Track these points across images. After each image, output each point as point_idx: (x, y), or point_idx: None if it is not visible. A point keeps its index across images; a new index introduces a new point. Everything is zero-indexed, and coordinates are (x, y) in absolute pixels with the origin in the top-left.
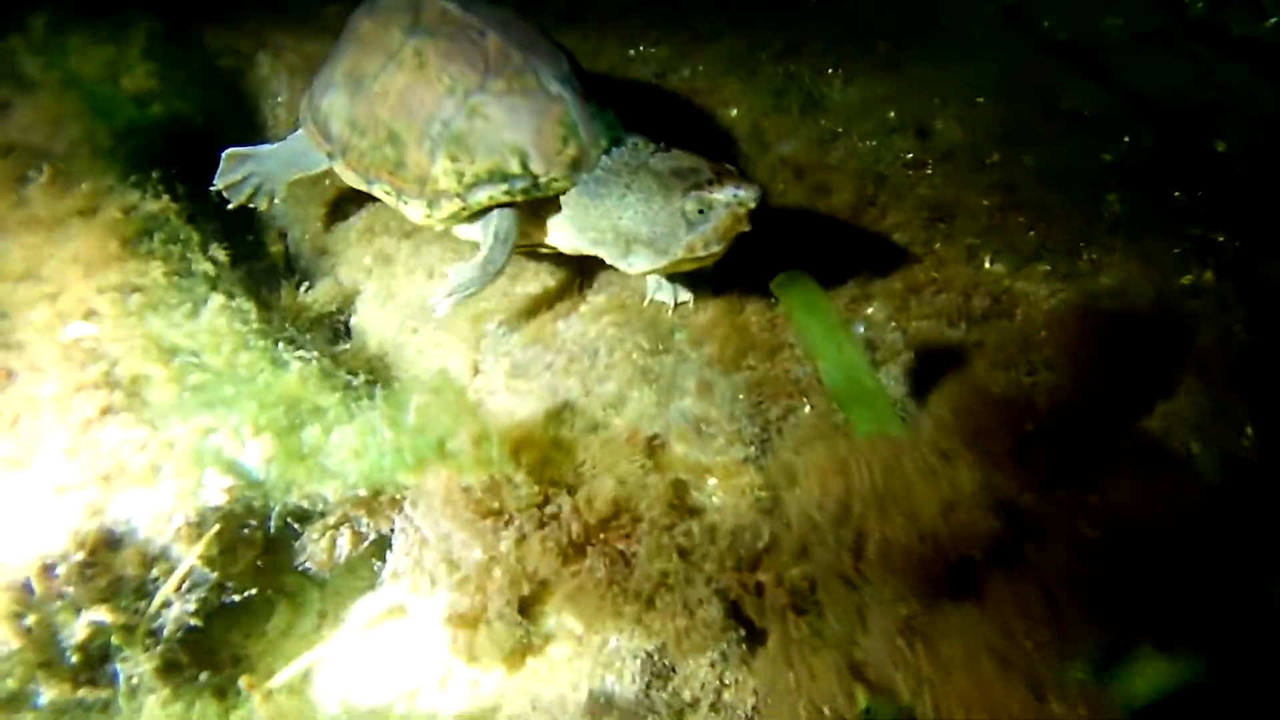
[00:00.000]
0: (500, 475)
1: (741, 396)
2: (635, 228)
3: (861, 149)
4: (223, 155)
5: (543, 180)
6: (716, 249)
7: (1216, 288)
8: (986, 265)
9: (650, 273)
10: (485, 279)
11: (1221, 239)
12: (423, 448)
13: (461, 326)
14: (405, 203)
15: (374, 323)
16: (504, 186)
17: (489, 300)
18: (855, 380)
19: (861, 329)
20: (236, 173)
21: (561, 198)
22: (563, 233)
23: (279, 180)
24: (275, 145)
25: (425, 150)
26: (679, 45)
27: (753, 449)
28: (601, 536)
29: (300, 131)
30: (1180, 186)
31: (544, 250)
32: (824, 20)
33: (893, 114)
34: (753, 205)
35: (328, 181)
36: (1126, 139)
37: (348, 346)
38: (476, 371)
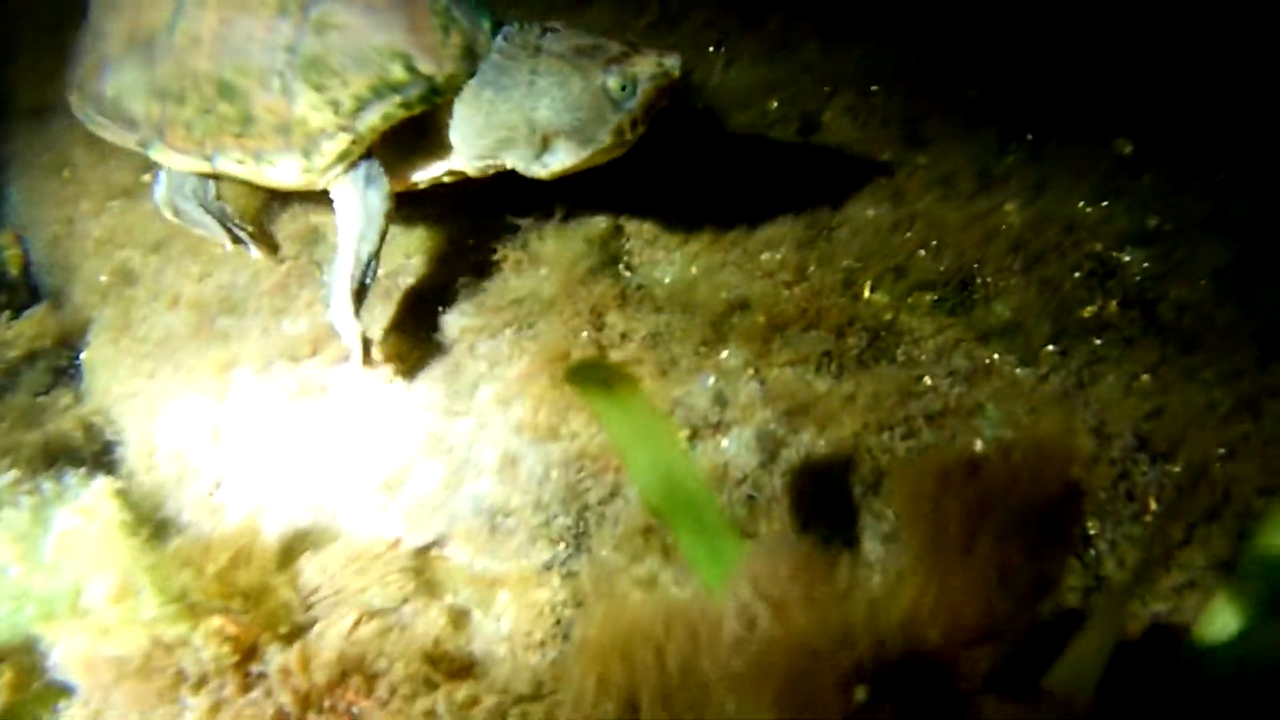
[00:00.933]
0: (170, 634)
1: (555, 474)
2: (554, 116)
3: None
4: (158, 200)
5: (439, 79)
6: (641, 128)
7: (1121, 319)
8: (866, 294)
9: (569, 170)
10: (368, 257)
11: (1127, 258)
12: (53, 597)
13: (204, 375)
14: (271, 164)
15: (106, 361)
16: (396, 99)
17: (246, 341)
18: (677, 487)
19: (711, 380)
20: (188, 210)
21: (456, 100)
22: (463, 145)
23: (208, 187)
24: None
25: (276, 90)
26: (539, 10)
27: (562, 547)
28: (327, 704)
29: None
30: (1084, 196)
31: (420, 188)
32: None
33: (776, 104)
34: (676, 74)
35: (66, 173)
36: (1030, 136)
37: (63, 396)
38: (218, 437)
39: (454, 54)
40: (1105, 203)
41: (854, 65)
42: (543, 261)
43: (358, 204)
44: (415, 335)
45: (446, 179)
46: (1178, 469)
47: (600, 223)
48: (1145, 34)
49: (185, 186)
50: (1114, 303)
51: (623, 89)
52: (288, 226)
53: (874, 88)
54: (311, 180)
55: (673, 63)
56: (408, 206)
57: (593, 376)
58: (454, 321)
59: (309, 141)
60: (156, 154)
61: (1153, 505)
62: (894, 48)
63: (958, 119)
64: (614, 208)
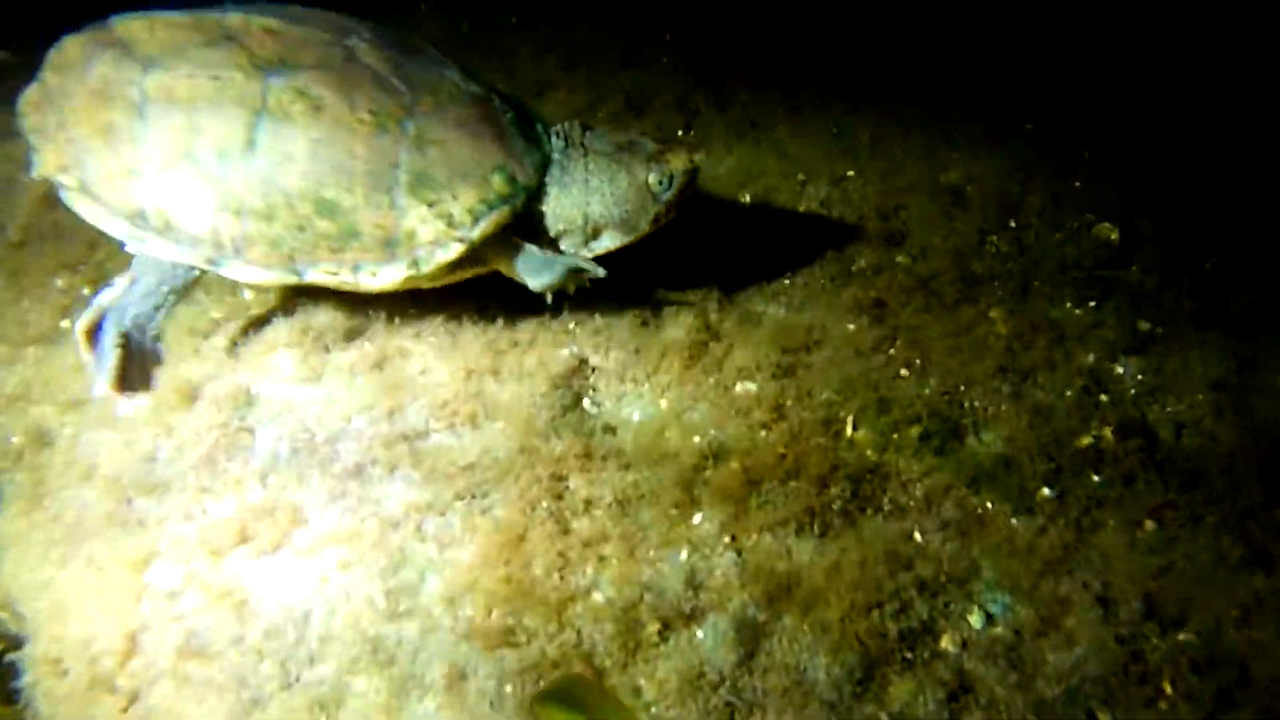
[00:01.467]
0: None
1: (509, 689)
2: (606, 211)
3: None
4: (76, 329)
5: (532, 186)
6: (673, 214)
7: (1118, 449)
8: (848, 431)
9: (610, 251)
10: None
11: (1120, 370)
12: None
13: (119, 571)
14: (372, 274)
15: (17, 537)
16: (505, 209)
17: (166, 527)
18: None
19: (684, 555)
20: (105, 341)
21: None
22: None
23: (154, 321)
24: (119, 285)
25: (383, 206)
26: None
27: None
28: None
29: (137, 255)
30: (1071, 295)
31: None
32: (678, 65)
33: (748, 197)
34: (700, 165)
35: None
36: (1012, 223)
37: None
38: (133, 647)
39: (534, 162)
40: (1093, 302)
41: (825, 146)
42: (499, 412)
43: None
44: (357, 514)
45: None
46: (1191, 637)
47: (564, 355)
48: (1128, 115)
49: (128, 314)
50: (1109, 430)
51: (660, 183)
52: (217, 388)
53: (849, 173)
54: (413, 284)
55: (700, 157)
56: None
57: (564, 698)
58: (399, 495)
59: (419, 252)
60: (228, 271)
61: (1167, 689)
62: (866, 120)
63: (935, 206)
64: (580, 332)
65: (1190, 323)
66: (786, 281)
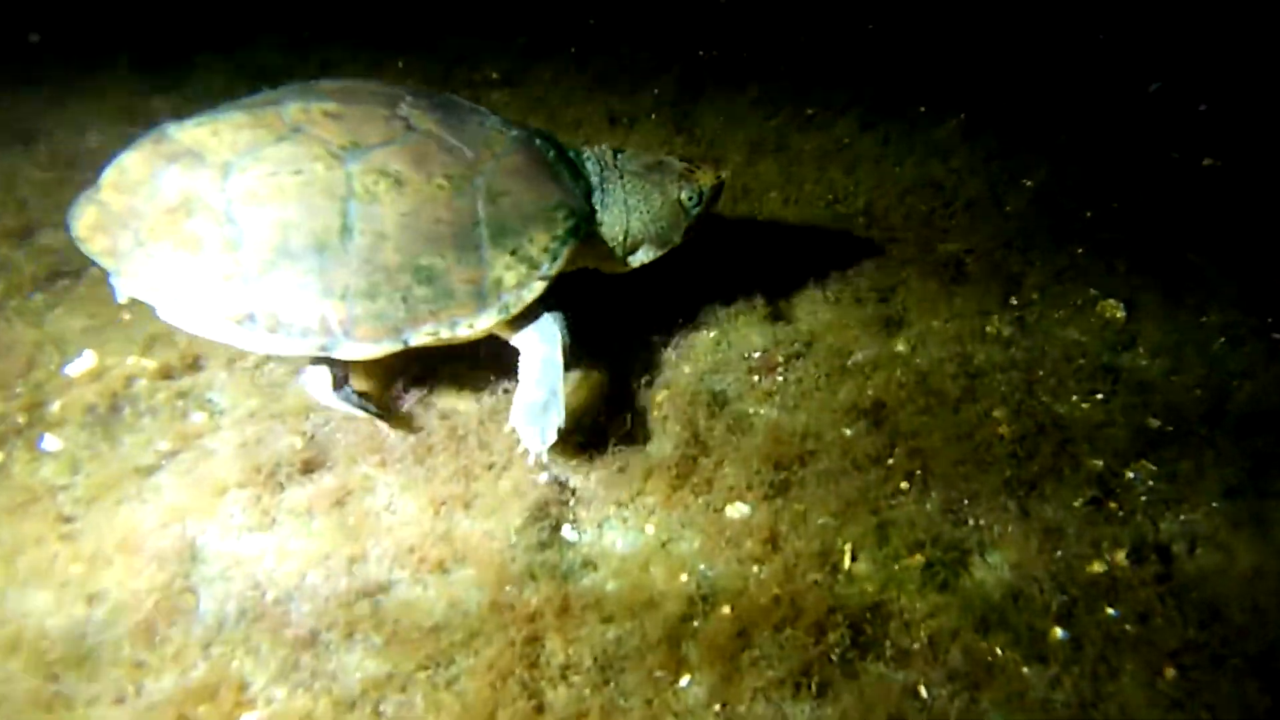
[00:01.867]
0: None
1: None
2: (644, 227)
3: (697, 349)
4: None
5: (586, 214)
6: (697, 226)
7: (1133, 577)
8: (846, 563)
9: (645, 263)
10: (556, 373)
11: (1131, 475)
12: None
13: None
14: (469, 326)
15: None
16: (572, 241)
17: (95, 712)
18: None
19: None
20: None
21: None
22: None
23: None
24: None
25: (470, 264)
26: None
27: None
28: None
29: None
30: (1076, 388)
31: None
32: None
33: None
34: (725, 180)
35: None
36: (1014, 300)
37: None
38: None
39: (582, 190)
40: (1100, 395)
41: (820, 214)
42: (470, 555)
43: (549, 322)
44: (310, 691)
45: None
46: None
47: (541, 480)
48: (1130, 171)
49: (328, 383)
50: (1122, 554)
51: (690, 199)
52: (159, 541)
53: (849, 271)
54: (500, 327)
55: (725, 173)
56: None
57: None
58: (357, 666)
59: (507, 297)
60: (341, 353)
61: None
62: (864, 185)
63: (934, 283)
64: (560, 446)
65: (1200, 418)
66: (780, 379)
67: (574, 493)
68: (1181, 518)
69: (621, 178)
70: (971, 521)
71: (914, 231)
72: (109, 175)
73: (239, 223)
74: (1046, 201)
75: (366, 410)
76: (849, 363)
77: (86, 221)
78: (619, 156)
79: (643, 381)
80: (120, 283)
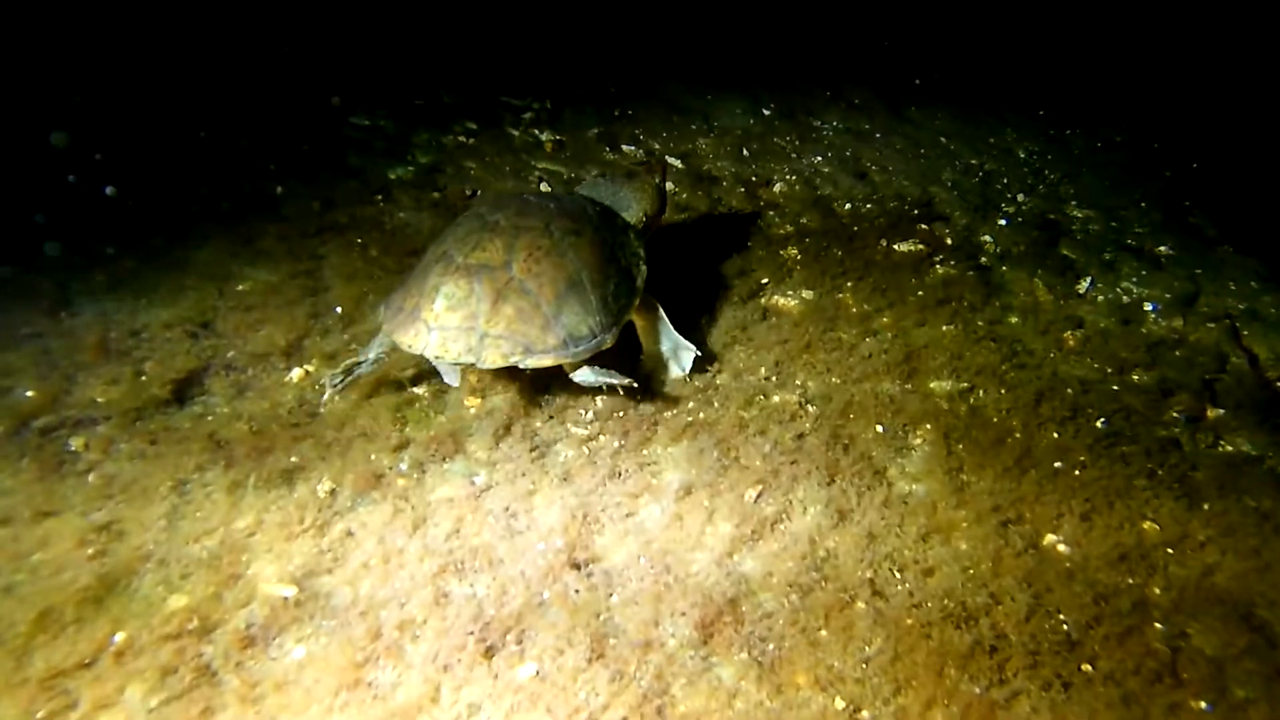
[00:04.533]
0: None
1: None
2: (648, 209)
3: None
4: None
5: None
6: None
7: None
8: None
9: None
10: (669, 327)
11: None
12: None
13: None
14: (632, 309)
15: None
16: (641, 240)
17: None
18: None
19: None
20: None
21: None
22: None
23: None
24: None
25: (621, 271)
26: None
27: None
28: None
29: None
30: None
31: None
32: None
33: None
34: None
35: None
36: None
37: None
38: None
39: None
40: None
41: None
42: None
43: (650, 299)
44: None
45: None
46: None
47: None
48: None
49: (592, 374)
50: None
51: (657, 180)
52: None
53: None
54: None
55: (671, 160)
56: None
57: None
58: None
59: (639, 279)
60: (609, 344)
61: None
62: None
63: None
64: None
65: None
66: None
67: None
68: None
69: (619, 191)
70: None
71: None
72: (442, 303)
73: (533, 291)
74: None
75: (622, 382)
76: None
77: (442, 338)
78: (603, 177)
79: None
80: (485, 357)
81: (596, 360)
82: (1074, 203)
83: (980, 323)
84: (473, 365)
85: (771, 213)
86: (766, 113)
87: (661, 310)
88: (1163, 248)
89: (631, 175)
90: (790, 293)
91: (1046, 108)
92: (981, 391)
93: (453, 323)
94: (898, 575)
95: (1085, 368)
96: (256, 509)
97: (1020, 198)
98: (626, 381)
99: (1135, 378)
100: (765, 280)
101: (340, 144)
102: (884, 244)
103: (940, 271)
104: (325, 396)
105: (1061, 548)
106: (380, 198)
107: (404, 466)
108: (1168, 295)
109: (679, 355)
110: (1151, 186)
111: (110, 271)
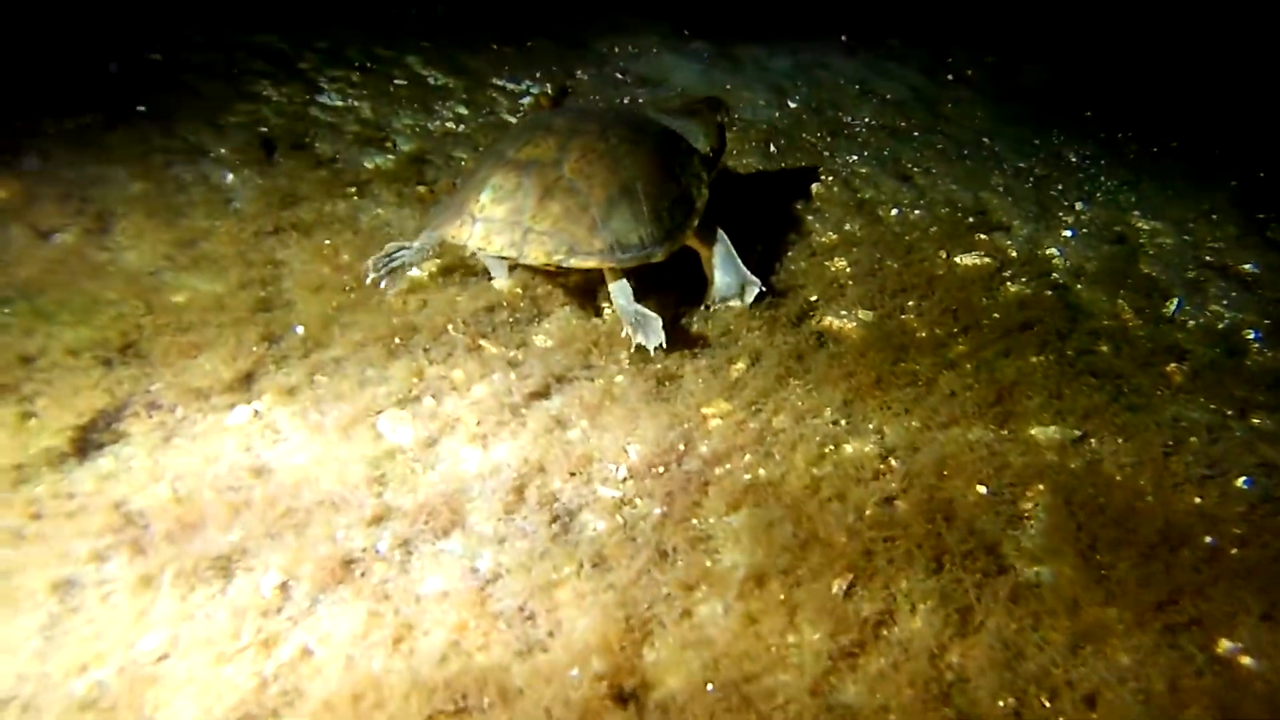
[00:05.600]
0: None
1: None
2: (714, 144)
3: None
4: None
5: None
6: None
7: None
8: None
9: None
10: (734, 257)
11: None
12: None
13: None
14: (690, 228)
15: None
16: (705, 169)
17: None
18: None
19: None
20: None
21: None
22: None
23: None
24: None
25: (677, 190)
26: None
27: None
28: None
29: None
30: None
31: None
32: None
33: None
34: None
35: None
36: None
37: None
38: None
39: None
40: None
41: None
42: None
43: (714, 227)
44: None
45: None
46: None
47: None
48: None
49: (630, 292)
50: None
51: (721, 117)
52: None
53: None
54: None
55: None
56: None
57: None
58: None
59: (698, 202)
60: (658, 258)
61: None
62: None
63: None
64: None
65: None
66: None
67: None
68: None
69: (684, 124)
70: None
71: None
72: (488, 195)
73: (583, 191)
74: None
75: (650, 341)
76: None
77: (486, 230)
78: (665, 113)
79: None
80: (528, 252)
81: (647, 273)
82: (1137, 213)
83: (1070, 352)
84: (515, 259)
85: (810, 218)
86: (793, 105)
87: (726, 238)
88: (1246, 265)
89: (694, 111)
90: (845, 313)
91: (1094, 109)
92: (1095, 441)
93: (498, 215)
94: (1049, 705)
95: (1201, 408)
96: (173, 619)
97: (1079, 206)
98: (658, 341)
99: (1257, 421)
100: (814, 298)
101: (306, 126)
102: (944, 255)
103: (1013, 290)
104: (370, 279)
105: (1245, 660)
106: (354, 191)
107: (383, 547)
108: (1266, 321)
109: (744, 289)
110: (1218, 197)
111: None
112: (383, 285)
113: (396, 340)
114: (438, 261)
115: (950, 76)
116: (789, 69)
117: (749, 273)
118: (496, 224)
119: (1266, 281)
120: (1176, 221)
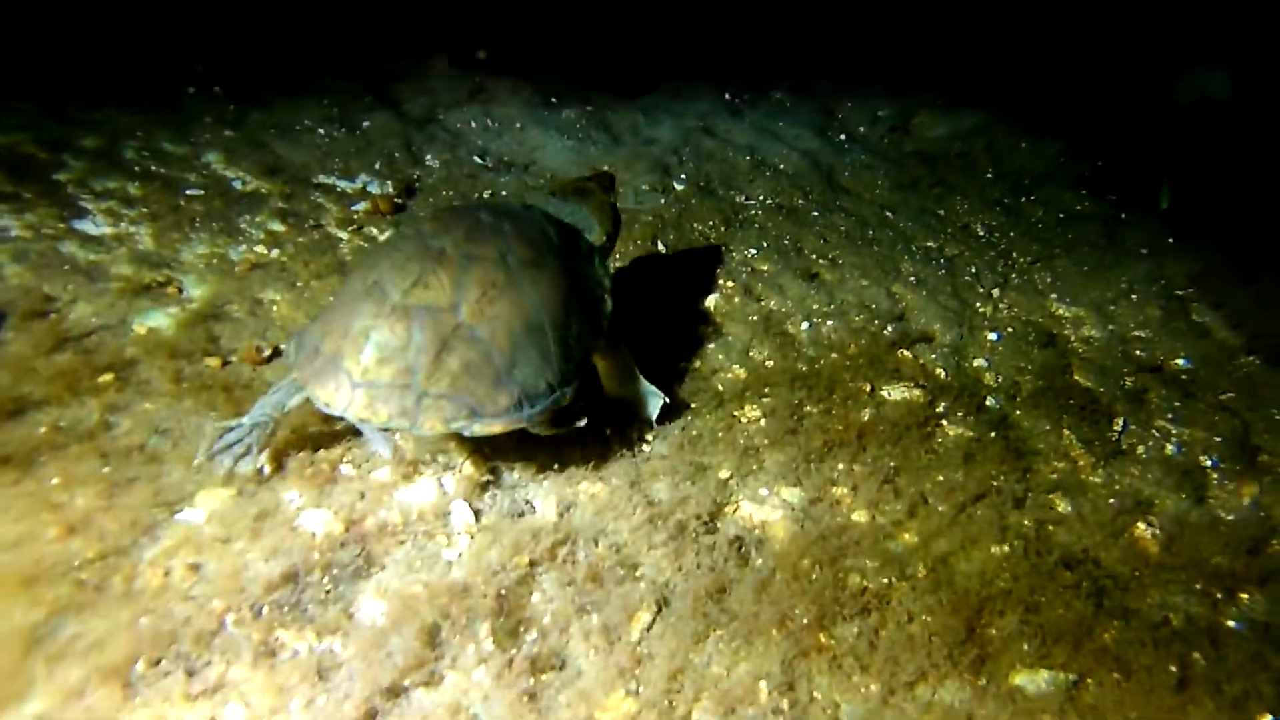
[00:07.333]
0: None
1: None
2: (607, 227)
3: None
4: None
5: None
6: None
7: None
8: None
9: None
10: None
11: None
12: None
13: None
14: (598, 343)
15: None
16: (606, 267)
17: None
18: None
19: None
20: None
21: None
22: None
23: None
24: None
25: (591, 298)
26: None
27: None
28: None
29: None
30: None
31: None
32: None
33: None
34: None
35: None
36: None
37: None
38: None
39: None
40: None
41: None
42: None
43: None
44: None
45: None
46: None
47: None
48: None
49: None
50: None
51: (608, 194)
52: None
53: None
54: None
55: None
56: None
57: None
58: None
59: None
60: (568, 400)
61: None
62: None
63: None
64: None
65: None
66: None
67: None
68: None
69: (577, 210)
70: None
71: None
72: (372, 354)
73: (484, 340)
74: None
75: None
76: None
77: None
78: (554, 196)
79: None
80: (422, 423)
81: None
82: (1054, 297)
83: (1028, 522)
84: (405, 430)
85: (712, 345)
86: (680, 186)
87: (627, 349)
88: (1179, 360)
89: (584, 192)
90: (766, 494)
91: (992, 167)
92: (1092, 683)
93: (384, 378)
94: None
95: (1188, 593)
96: None
97: (996, 294)
98: (580, 423)
99: (1253, 609)
100: (727, 474)
101: (54, 276)
102: (868, 389)
103: (952, 434)
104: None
105: None
106: (111, 380)
107: None
108: (1217, 439)
109: (646, 401)
110: (1133, 267)
111: None
112: (239, 469)
113: (139, 667)
114: (219, 516)
115: (843, 136)
116: (673, 139)
117: (649, 384)
118: (383, 389)
119: (1204, 381)
120: (1097, 306)
